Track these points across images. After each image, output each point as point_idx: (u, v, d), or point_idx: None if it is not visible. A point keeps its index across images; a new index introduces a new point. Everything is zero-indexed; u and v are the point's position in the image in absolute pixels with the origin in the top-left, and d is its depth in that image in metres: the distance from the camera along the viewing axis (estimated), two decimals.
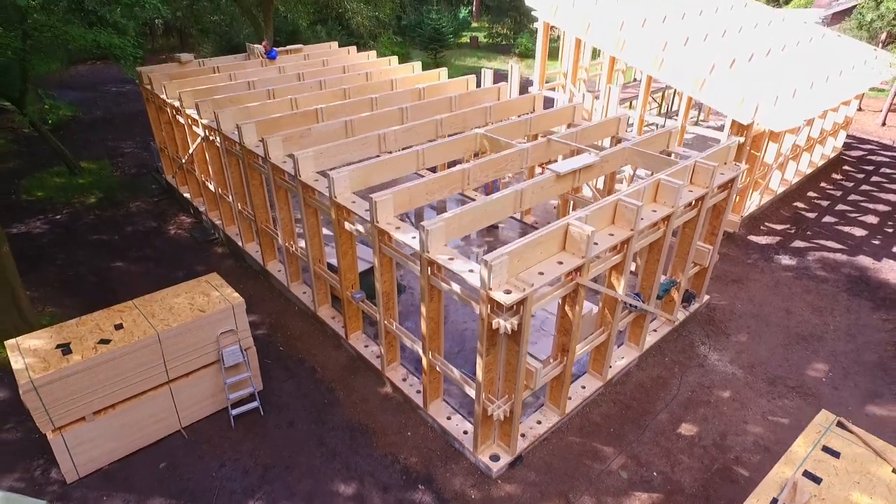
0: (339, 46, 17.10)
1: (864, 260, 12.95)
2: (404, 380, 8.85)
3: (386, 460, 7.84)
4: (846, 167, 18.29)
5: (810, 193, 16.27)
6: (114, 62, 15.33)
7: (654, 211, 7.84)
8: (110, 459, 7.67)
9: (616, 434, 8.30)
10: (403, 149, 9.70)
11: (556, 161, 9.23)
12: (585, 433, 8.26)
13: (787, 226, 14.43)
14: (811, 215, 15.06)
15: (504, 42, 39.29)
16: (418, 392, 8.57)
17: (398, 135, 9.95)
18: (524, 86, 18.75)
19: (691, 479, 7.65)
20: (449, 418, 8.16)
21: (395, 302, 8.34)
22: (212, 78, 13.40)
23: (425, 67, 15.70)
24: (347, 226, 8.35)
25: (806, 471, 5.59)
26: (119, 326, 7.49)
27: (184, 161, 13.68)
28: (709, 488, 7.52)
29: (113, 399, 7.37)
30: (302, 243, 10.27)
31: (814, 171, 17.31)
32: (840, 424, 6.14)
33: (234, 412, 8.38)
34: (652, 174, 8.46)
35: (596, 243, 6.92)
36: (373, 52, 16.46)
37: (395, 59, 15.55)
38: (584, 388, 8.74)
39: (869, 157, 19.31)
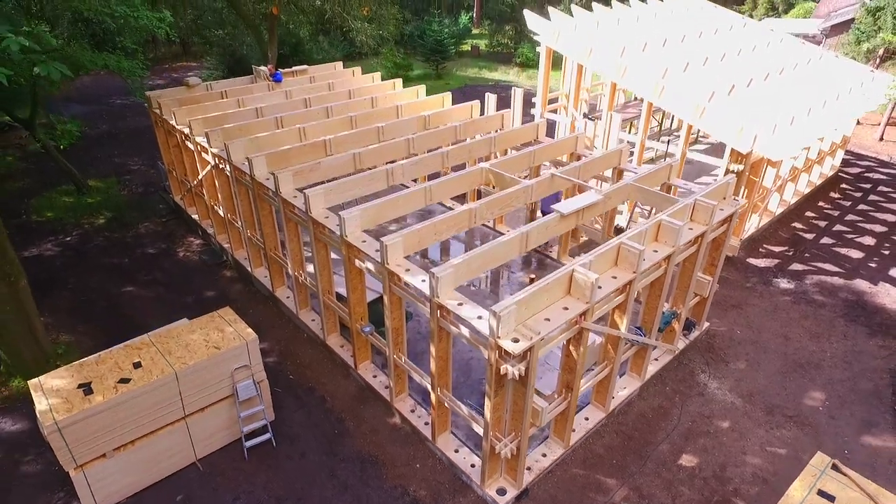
0: (342, 58, 17.33)
1: (861, 284, 13.20)
2: (412, 411, 9.10)
3: (395, 492, 8.09)
4: (844, 185, 18.55)
5: (808, 214, 16.53)
6: (122, 80, 15.57)
7: (656, 251, 8.08)
8: (129, 493, 7.91)
9: (618, 465, 8.55)
10: (413, 180, 9.94)
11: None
12: (589, 465, 8.51)
13: (786, 248, 14.69)
14: (809, 236, 15.32)
15: (505, 51, 39.54)
16: (426, 424, 8.82)
17: (406, 168, 10.19)
18: (527, 98, 18.94)
19: None
20: (457, 451, 8.41)
21: (405, 338, 8.58)
22: (220, 104, 13.63)
23: (427, 79, 15.92)
24: (358, 263, 8.60)
25: None
26: (138, 365, 7.73)
27: (193, 184, 13.92)
28: None
29: (132, 436, 7.62)
30: (311, 268, 10.51)
31: (812, 191, 17.57)
32: (835, 467, 6.39)
33: (248, 444, 8.62)
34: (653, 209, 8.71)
35: (600, 287, 7.17)
36: (377, 74, 16.69)
37: (399, 82, 15.78)
38: (587, 419, 9.00)
39: (866, 174, 19.57)
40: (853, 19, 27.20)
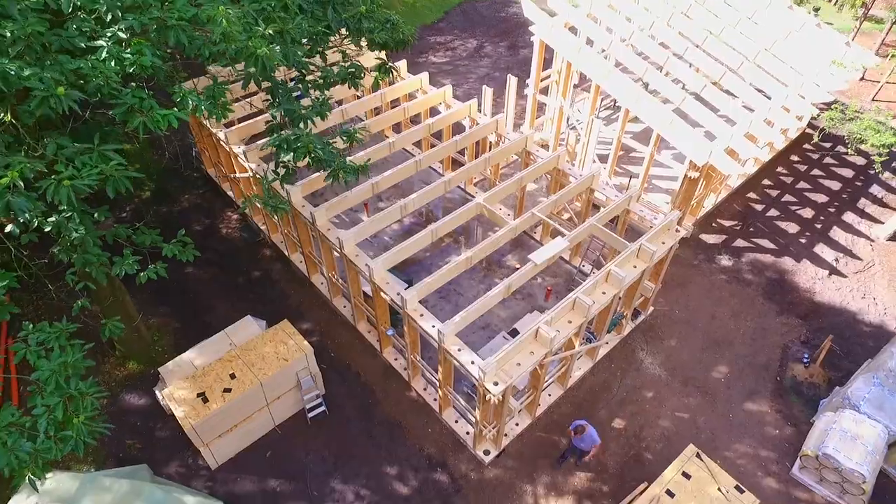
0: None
1: (787, 262, 16.10)
2: (425, 389, 12.64)
3: (415, 449, 11.90)
4: (807, 145, 20.41)
5: (765, 182, 18.80)
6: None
7: (604, 293, 10.97)
8: (234, 453, 11.69)
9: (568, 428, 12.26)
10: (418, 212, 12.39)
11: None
12: (548, 429, 12.24)
13: (736, 222, 17.31)
14: (759, 208, 17.83)
15: None
16: (435, 400, 12.39)
17: (416, 201, 12.58)
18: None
19: (614, 462, 11.77)
20: (456, 421, 12.08)
21: (419, 344, 11.78)
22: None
23: None
24: (383, 296, 11.50)
25: (668, 489, 9.54)
26: (233, 376, 11.04)
27: (228, 174, 16.11)
28: (624, 469, 11.67)
29: (235, 422, 11.18)
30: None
31: (775, 156, 19.56)
32: (698, 455, 10.00)
33: (310, 414, 12.25)
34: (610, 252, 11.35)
35: (558, 331, 10.20)
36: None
37: (403, 66, 16.98)
38: (549, 395, 12.57)
39: (831, 130, 21.25)
40: None
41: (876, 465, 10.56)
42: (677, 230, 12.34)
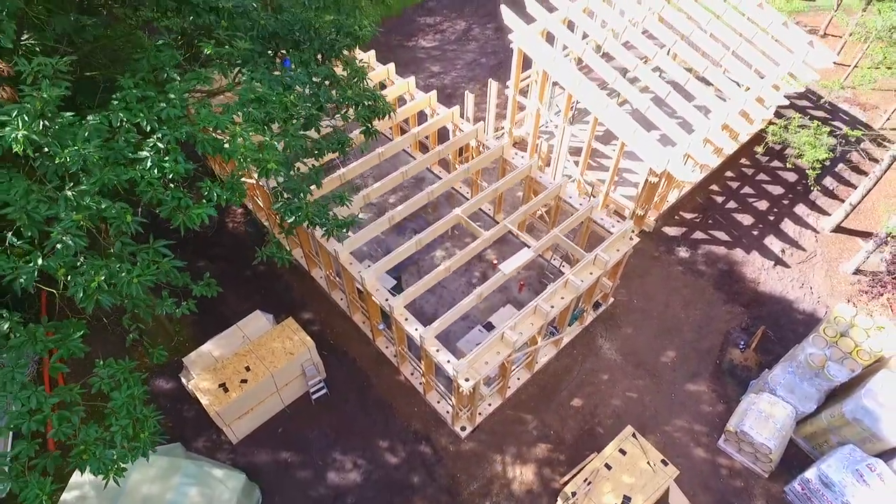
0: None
1: (738, 254, 17.91)
2: (412, 374, 14.72)
3: (403, 425, 14.08)
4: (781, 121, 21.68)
5: (728, 173, 20.33)
6: None
7: (563, 298, 12.84)
8: (250, 430, 13.87)
9: (534, 407, 14.44)
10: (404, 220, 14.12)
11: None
12: (516, 408, 14.40)
13: (696, 214, 18.99)
14: (720, 200, 19.47)
15: None
16: (420, 384, 14.49)
17: (402, 211, 14.22)
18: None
19: (570, 435, 14.00)
20: (438, 402, 14.22)
21: (406, 339, 13.75)
22: None
23: None
24: (375, 298, 13.35)
25: (606, 463, 11.74)
26: (248, 369, 13.05)
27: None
28: (578, 441, 13.91)
29: (251, 405, 13.29)
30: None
31: (739, 148, 20.97)
32: (634, 435, 12.16)
33: (314, 396, 14.37)
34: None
35: (521, 333, 12.13)
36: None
37: (391, 68, 18.16)
38: (518, 379, 14.67)
39: (802, 114, 22.55)
40: None
41: (783, 440, 12.77)
42: (631, 238, 14.08)
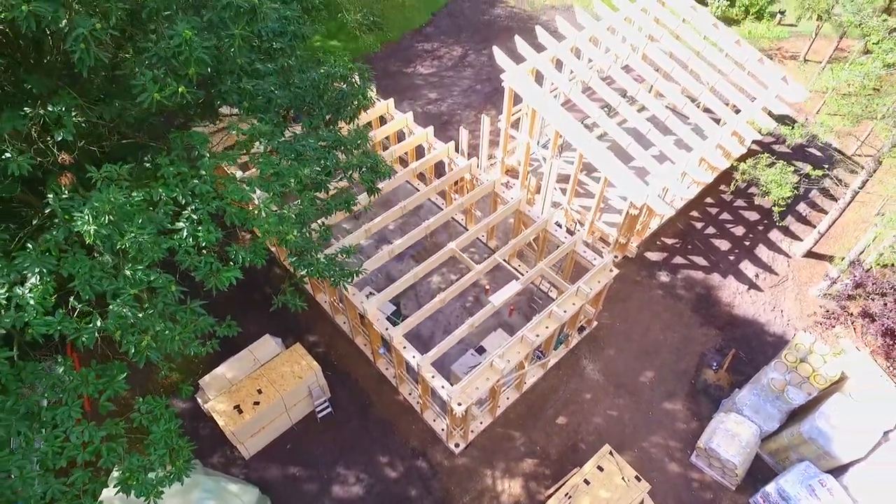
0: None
1: (715, 278, 19.16)
2: (410, 394, 15.97)
3: (402, 442, 15.33)
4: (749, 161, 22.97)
5: (707, 199, 21.57)
6: None
7: (548, 327, 14.08)
8: (261, 447, 15.10)
9: (522, 424, 15.68)
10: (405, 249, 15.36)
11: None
12: (505, 425, 15.65)
13: (676, 240, 20.23)
14: (699, 226, 20.71)
15: None
16: (418, 402, 15.73)
17: (401, 244, 15.46)
18: None
19: (555, 451, 15.25)
20: (434, 420, 15.47)
21: (404, 363, 14.99)
22: None
23: None
24: (376, 327, 14.58)
25: (585, 478, 13.00)
26: (259, 391, 14.28)
27: None
28: (562, 456, 15.17)
29: (262, 425, 14.52)
30: None
31: (718, 175, 22.20)
32: (611, 453, 13.41)
33: (319, 415, 15.60)
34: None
35: (509, 361, 13.38)
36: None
37: (391, 104, 19.41)
38: (508, 398, 15.92)
39: (775, 144, 23.79)
40: None
41: (748, 456, 14.03)
42: (611, 270, 15.33)
